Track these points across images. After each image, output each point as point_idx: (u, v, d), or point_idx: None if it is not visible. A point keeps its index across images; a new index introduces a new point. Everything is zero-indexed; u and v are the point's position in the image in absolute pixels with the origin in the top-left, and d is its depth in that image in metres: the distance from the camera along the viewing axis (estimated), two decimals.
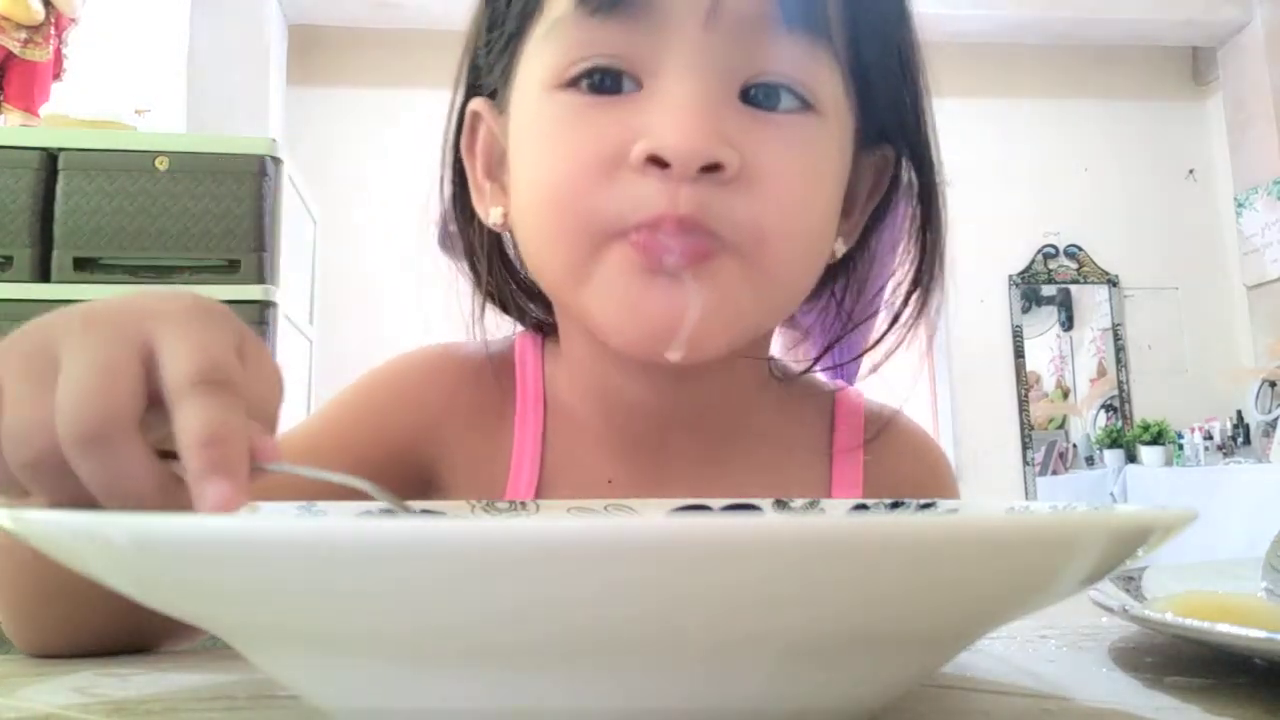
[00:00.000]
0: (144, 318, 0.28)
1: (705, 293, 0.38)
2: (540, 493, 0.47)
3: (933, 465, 0.54)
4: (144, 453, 0.26)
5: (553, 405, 0.49)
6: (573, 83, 0.40)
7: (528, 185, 0.42)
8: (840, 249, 0.46)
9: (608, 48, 0.40)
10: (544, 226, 0.41)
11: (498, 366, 0.50)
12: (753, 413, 0.49)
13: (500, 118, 0.46)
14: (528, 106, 0.43)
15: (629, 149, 0.38)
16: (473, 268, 0.50)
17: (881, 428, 0.51)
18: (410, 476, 0.48)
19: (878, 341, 0.50)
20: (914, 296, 0.48)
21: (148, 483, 0.26)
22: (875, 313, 0.51)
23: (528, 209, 0.42)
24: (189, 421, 0.26)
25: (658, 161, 0.37)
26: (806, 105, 0.41)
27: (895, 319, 0.49)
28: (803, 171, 0.41)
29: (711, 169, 0.38)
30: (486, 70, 0.46)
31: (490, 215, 0.46)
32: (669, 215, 0.37)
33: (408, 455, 0.48)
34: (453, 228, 0.50)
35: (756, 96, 0.40)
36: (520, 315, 0.52)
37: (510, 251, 0.50)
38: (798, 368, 0.53)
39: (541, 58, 0.42)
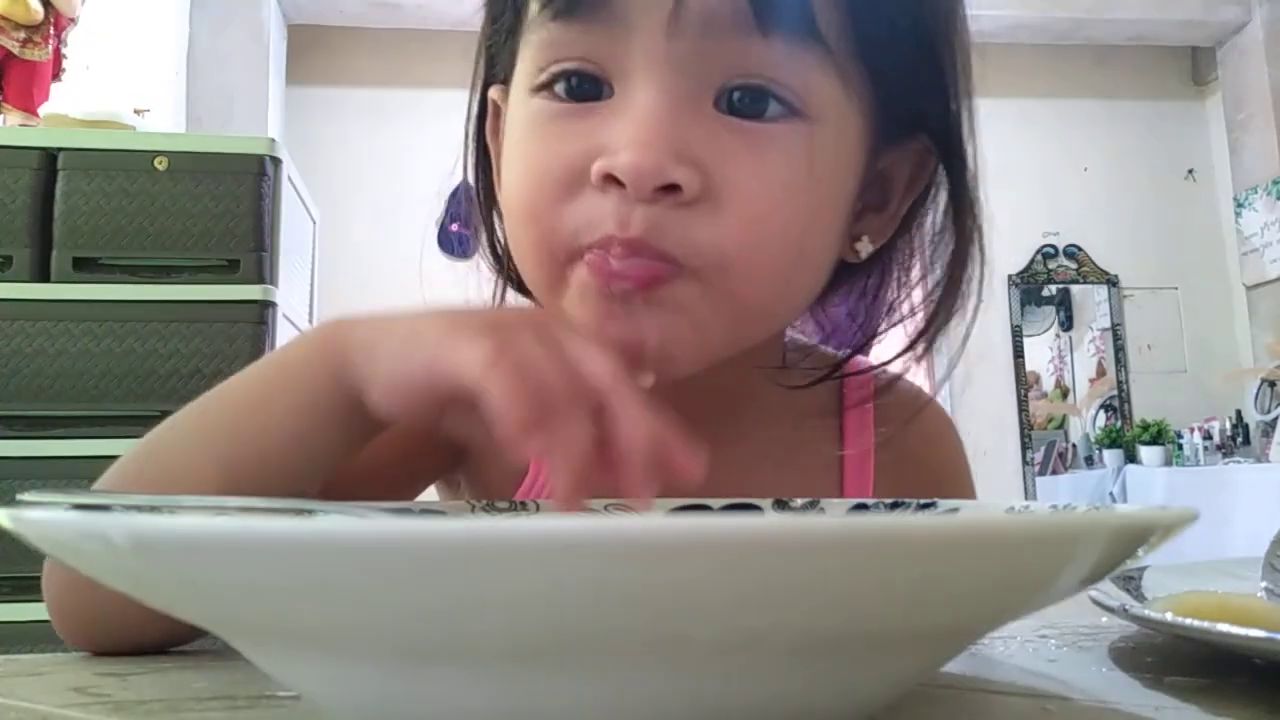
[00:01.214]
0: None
1: (660, 318, 0.37)
2: None
3: (942, 431, 0.52)
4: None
5: None
6: (547, 86, 0.38)
7: (508, 189, 0.41)
8: (866, 249, 0.43)
9: (576, 51, 0.38)
10: (517, 238, 0.41)
11: None
12: (762, 392, 0.47)
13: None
14: (514, 104, 0.41)
15: (591, 165, 0.36)
16: (494, 251, 0.49)
17: (888, 385, 0.49)
18: (445, 451, 0.48)
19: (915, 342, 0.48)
20: (947, 300, 0.45)
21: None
22: (899, 320, 0.48)
23: (508, 213, 0.42)
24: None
25: (616, 181, 0.35)
26: (794, 111, 0.37)
27: (933, 317, 0.46)
28: (780, 188, 0.37)
29: (669, 189, 0.35)
30: (497, 54, 0.45)
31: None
32: (616, 238, 0.36)
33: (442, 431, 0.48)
34: (477, 216, 0.49)
35: (740, 103, 0.37)
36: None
37: None
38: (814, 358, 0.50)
39: (523, 56, 0.40)
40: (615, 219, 0.36)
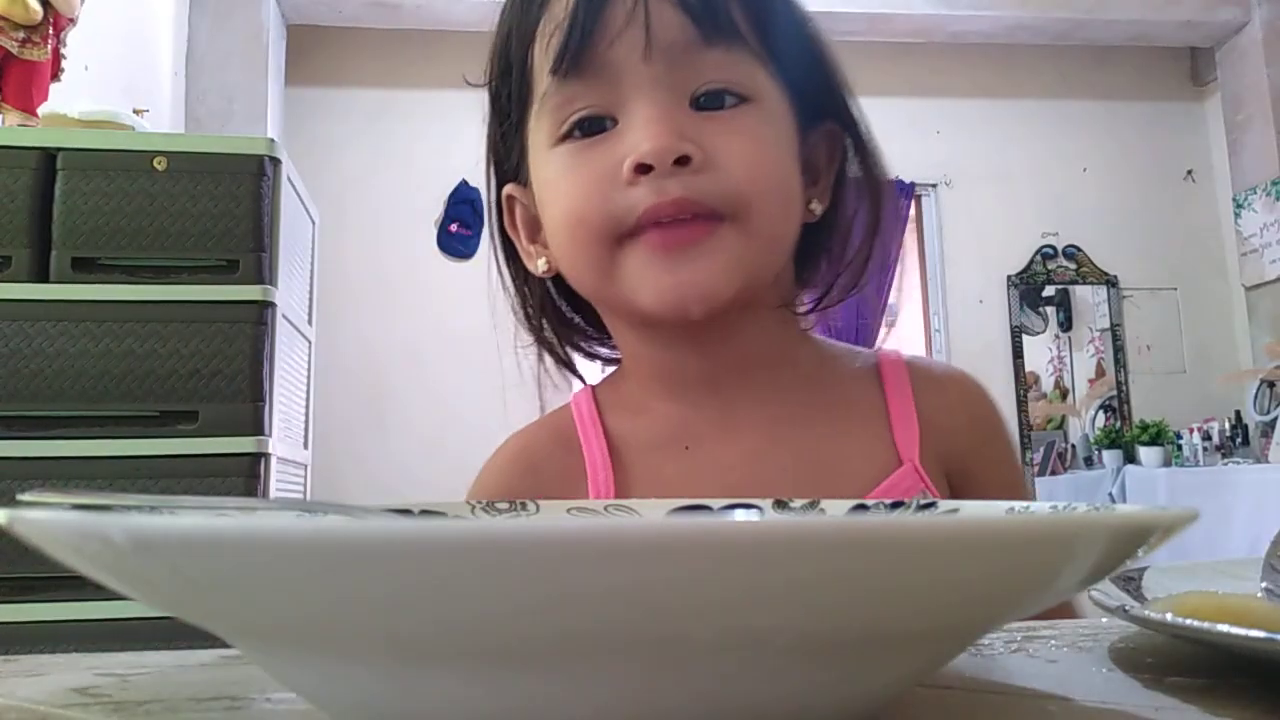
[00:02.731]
0: None
1: (705, 262, 0.48)
2: (617, 485, 0.54)
3: (977, 392, 0.60)
4: None
5: (611, 419, 0.57)
6: (567, 135, 0.51)
7: (555, 217, 0.52)
8: (818, 209, 0.55)
9: (583, 102, 0.50)
10: (572, 241, 0.51)
11: (561, 423, 0.59)
12: (798, 362, 0.57)
13: (525, 190, 0.56)
14: (540, 165, 0.53)
15: (620, 168, 0.48)
16: (529, 321, 0.60)
17: (927, 366, 0.59)
18: None
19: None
20: (870, 242, 0.57)
21: None
22: (863, 263, 0.58)
23: (558, 234, 0.52)
24: None
25: (642, 168, 0.47)
26: (743, 99, 0.50)
27: (865, 261, 0.57)
28: (753, 146, 0.50)
29: (682, 161, 0.47)
30: (505, 156, 0.57)
31: (538, 266, 0.56)
32: (663, 201, 0.47)
33: None
34: (512, 291, 0.60)
35: (706, 102, 0.50)
36: (573, 358, 0.61)
37: (563, 306, 0.60)
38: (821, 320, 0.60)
39: (541, 126, 0.52)
40: (654, 192, 0.47)
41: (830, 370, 0.58)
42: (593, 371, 0.62)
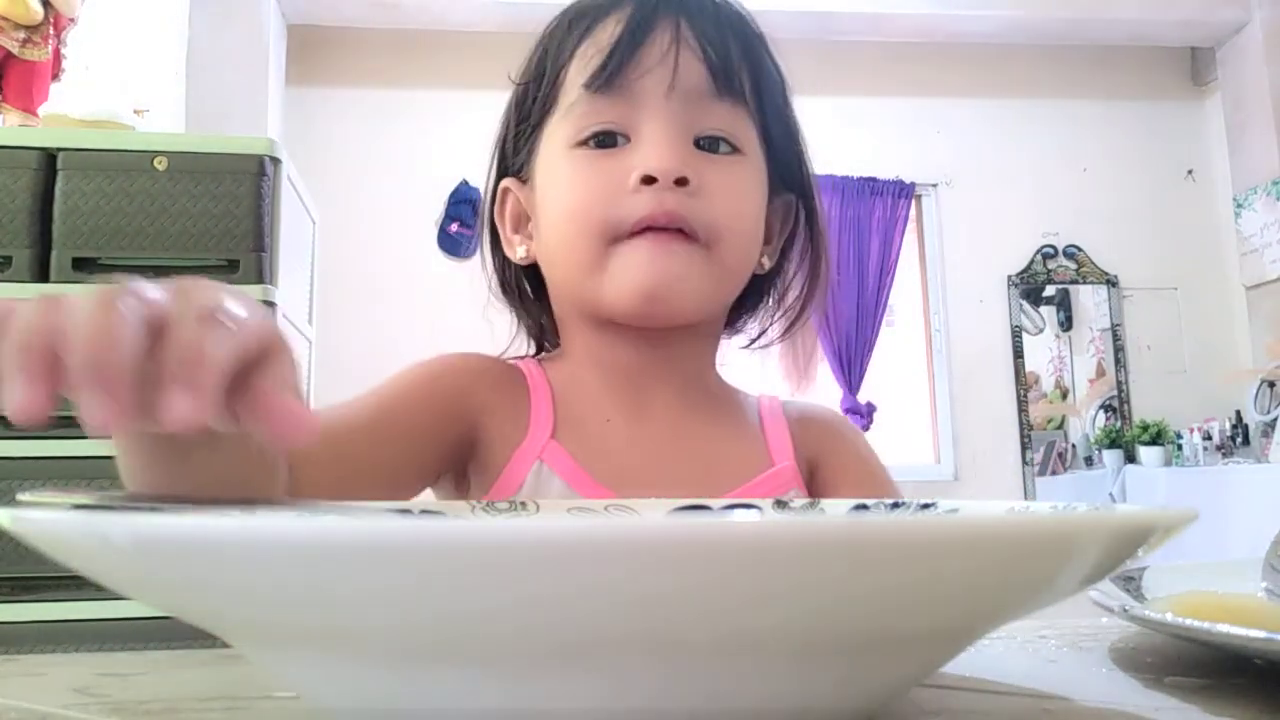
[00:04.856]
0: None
1: (681, 266, 0.57)
2: (557, 428, 0.60)
3: (840, 419, 0.72)
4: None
5: (555, 379, 0.64)
6: (584, 143, 0.59)
7: (558, 212, 0.60)
8: (766, 264, 0.65)
9: (606, 117, 0.59)
10: (570, 234, 0.59)
11: (513, 367, 0.65)
12: (706, 382, 0.67)
13: (523, 188, 0.64)
14: (553, 163, 0.61)
15: (628, 178, 0.57)
16: (505, 294, 0.69)
17: (798, 403, 0.70)
18: (455, 428, 0.60)
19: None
20: (805, 301, 0.68)
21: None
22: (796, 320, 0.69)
23: (556, 227, 0.60)
24: (175, 339, 0.27)
25: (648, 180, 0.56)
26: (735, 150, 0.60)
27: (799, 315, 0.68)
28: (736, 190, 0.60)
29: (681, 183, 0.56)
30: (513, 154, 0.65)
31: (517, 253, 0.65)
32: (659, 211, 0.56)
33: (454, 409, 0.60)
34: (493, 272, 0.68)
35: (705, 145, 0.59)
36: (533, 332, 0.70)
37: (527, 287, 0.68)
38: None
39: (561, 129, 0.60)
40: (655, 201, 0.56)
41: (726, 394, 0.68)
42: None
